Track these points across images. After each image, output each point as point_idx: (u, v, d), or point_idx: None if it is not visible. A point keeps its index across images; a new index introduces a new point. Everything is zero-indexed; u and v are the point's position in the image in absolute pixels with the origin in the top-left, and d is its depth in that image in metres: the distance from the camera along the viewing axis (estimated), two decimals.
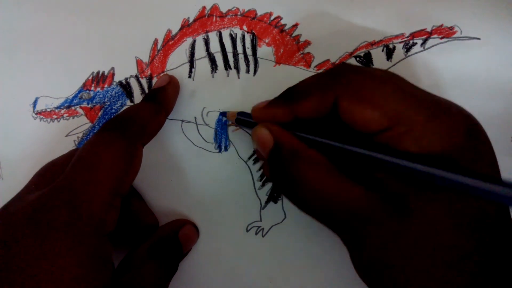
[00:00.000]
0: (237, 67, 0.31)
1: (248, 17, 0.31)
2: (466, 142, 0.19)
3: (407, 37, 0.30)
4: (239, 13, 0.31)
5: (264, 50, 0.31)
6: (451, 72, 0.30)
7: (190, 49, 0.32)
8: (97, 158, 0.23)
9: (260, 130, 0.24)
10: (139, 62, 0.32)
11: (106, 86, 0.32)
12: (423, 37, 0.30)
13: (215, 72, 0.32)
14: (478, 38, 0.30)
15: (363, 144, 0.21)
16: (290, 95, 0.24)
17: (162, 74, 0.32)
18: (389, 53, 0.31)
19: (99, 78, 0.32)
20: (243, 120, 0.28)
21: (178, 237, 0.29)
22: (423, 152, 0.19)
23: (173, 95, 0.30)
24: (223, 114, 0.31)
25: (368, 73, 0.22)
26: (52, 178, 0.24)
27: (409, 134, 0.20)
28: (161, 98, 0.29)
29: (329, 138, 0.22)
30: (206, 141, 0.32)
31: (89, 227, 0.21)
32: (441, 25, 0.30)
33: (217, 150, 0.32)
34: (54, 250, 0.20)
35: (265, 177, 0.31)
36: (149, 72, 0.32)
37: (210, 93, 0.32)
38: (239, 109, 0.29)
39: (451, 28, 0.30)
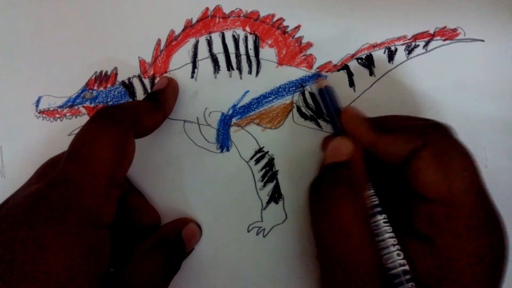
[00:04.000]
0: (239, 68, 0.32)
1: (251, 18, 0.31)
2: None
3: (409, 39, 0.30)
4: (242, 14, 0.31)
5: (267, 51, 0.31)
6: (454, 74, 0.30)
7: (193, 50, 0.32)
8: (89, 148, 0.23)
9: (344, 139, 0.24)
10: (142, 62, 0.32)
11: (109, 85, 0.33)
12: (426, 39, 0.30)
13: (218, 72, 0.32)
14: (482, 40, 0.30)
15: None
16: (379, 126, 0.24)
17: (162, 76, 0.32)
18: (391, 55, 0.31)
19: (102, 78, 0.32)
20: (324, 97, 0.29)
21: (181, 236, 0.29)
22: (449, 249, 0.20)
23: (172, 96, 0.31)
24: (318, 75, 0.31)
25: (459, 143, 0.22)
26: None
27: (450, 222, 0.20)
28: (160, 99, 0.29)
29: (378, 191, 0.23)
30: (208, 141, 0.32)
31: (84, 219, 0.21)
32: (444, 27, 0.30)
33: (219, 150, 0.32)
34: (49, 241, 0.20)
35: (266, 178, 0.31)
36: (152, 72, 0.32)
37: (213, 94, 0.32)
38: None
39: (455, 30, 0.30)
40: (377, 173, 0.24)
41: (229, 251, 0.32)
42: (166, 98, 0.29)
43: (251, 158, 0.32)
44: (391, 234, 0.22)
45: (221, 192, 0.32)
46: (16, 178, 0.33)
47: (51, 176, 0.22)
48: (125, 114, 0.25)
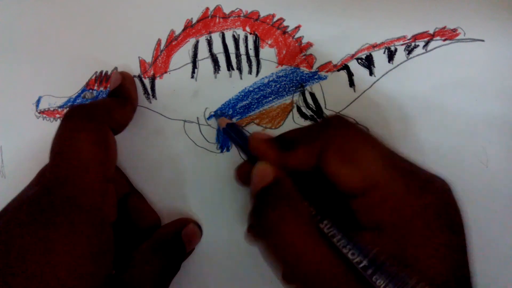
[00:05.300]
0: (239, 68, 0.32)
1: (251, 19, 0.31)
2: (435, 224, 0.20)
3: (409, 39, 0.30)
4: (242, 14, 0.31)
5: (267, 51, 0.31)
6: (454, 74, 0.30)
7: (193, 50, 0.32)
8: (72, 147, 0.23)
9: (263, 164, 0.24)
10: (142, 62, 0.32)
11: (109, 86, 0.32)
12: (425, 39, 0.30)
13: (218, 72, 0.32)
14: (482, 40, 0.30)
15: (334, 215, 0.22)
16: (284, 144, 0.24)
17: (113, 72, 0.32)
18: (391, 55, 0.31)
19: (102, 78, 0.32)
20: (230, 132, 0.29)
21: (181, 236, 0.29)
22: (397, 224, 0.20)
23: (133, 88, 0.31)
24: (216, 115, 0.32)
25: (353, 130, 0.22)
26: None
27: (383, 203, 0.20)
28: (123, 93, 0.29)
29: (310, 197, 0.23)
30: (208, 141, 0.32)
31: (86, 218, 0.21)
32: (444, 27, 0.30)
33: (219, 150, 0.32)
34: (53, 244, 0.20)
35: None
36: (152, 72, 0.32)
37: (213, 94, 0.32)
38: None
39: (454, 30, 0.30)
40: (308, 183, 0.24)
41: (229, 251, 0.32)
42: (129, 92, 0.30)
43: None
44: (339, 236, 0.21)
45: (221, 192, 0.32)
46: (16, 178, 0.33)
47: (44, 180, 0.23)
48: (97, 110, 0.25)
